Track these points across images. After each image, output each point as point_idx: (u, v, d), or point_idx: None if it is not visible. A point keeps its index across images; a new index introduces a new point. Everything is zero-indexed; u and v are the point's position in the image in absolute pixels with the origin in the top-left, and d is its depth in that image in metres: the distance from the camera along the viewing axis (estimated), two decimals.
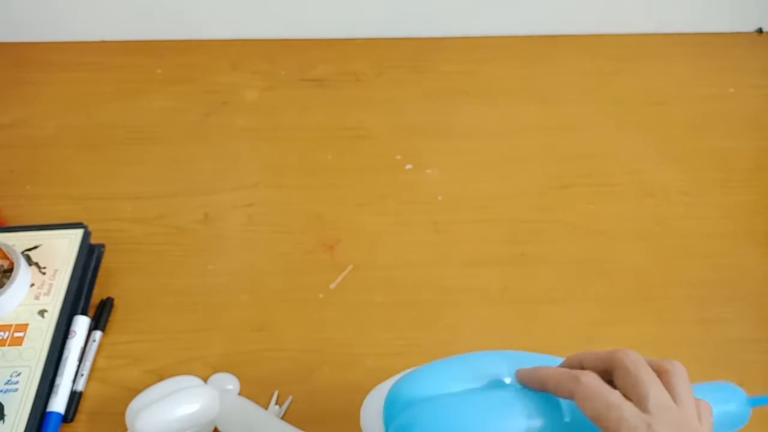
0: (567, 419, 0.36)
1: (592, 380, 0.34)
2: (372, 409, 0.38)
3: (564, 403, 0.37)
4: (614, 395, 0.33)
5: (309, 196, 0.65)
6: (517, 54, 0.80)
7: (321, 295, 0.58)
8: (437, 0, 0.78)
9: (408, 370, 0.39)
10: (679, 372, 0.35)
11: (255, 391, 0.52)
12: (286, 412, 0.51)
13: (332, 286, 0.59)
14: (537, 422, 0.35)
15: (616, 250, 0.62)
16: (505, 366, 0.39)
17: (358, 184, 0.66)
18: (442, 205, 0.65)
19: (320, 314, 0.57)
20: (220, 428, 0.49)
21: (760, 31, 0.83)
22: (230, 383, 0.51)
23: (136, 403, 0.47)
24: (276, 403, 0.51)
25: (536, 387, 0.37)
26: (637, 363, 0.34)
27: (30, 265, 0.56)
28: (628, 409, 0.32)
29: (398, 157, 0.69)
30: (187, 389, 0.48)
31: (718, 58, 0.80)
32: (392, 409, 0.37)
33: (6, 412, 0.49)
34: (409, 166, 0.68)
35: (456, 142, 0.71)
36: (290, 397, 0.52)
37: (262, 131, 0.71)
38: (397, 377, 0.39)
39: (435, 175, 0.67)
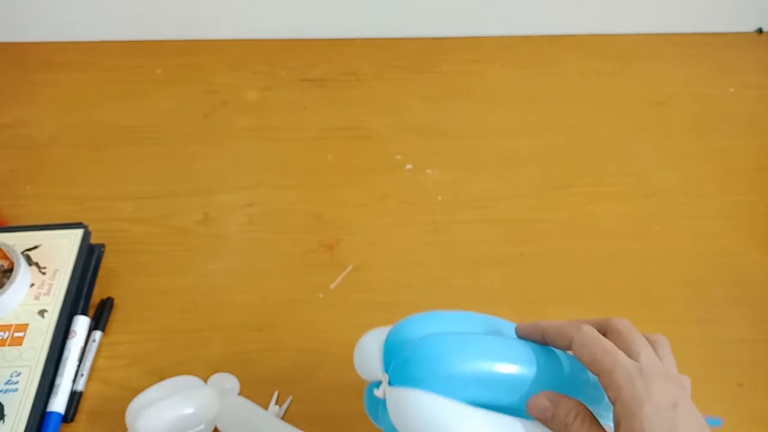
0: (565, 371, 0.37)
1: (590, 330, 0.36)
2: (367, 350, 0.38)
3: (561, 356, 0.38)
4: (610, 344, 0.35)
5: (309, 196, 0.65)
6: (517, 54, 0.80)
7: (321, 295, 0.58)
8: (437, 0, 0.78)
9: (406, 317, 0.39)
10: (664, 342, 0.38)
11: (255, 391, 0.52)
12: (286, 412, 0.51)
13: (332, 286, 0.59)
14: (534, 367, 0.36)
15: (616, 250, 0.62)
16: (502, 324, 0.40)
17: (358, 184, 0.66)
18: (442, 205, 0.65)
19: (320, 314, 0.57)
20: (220, 428, 0.49)
21: (760, 31, 0.83)
22: (230, 383, 0.51)
23: (136, 404, 0.47)
24: (276, 403, 0.51)
25: (536, 337, 0.38)
26: (629, 327, 0.37)
27: (30, 265, 0.56)
28: (622, 356, 0.34)
29: (398, 157, 0.69)
30: (187, 389, 0.48)
31: (718, 58, 0.80)
32: (392, 349, 0.37)
33: (6, 412, 0.49)
34: (409, 166, 0.68)
35: (456, 142, 0.71)
36: (290, 397, 0.52)
37: (262, 131, 0.71)
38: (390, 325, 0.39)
39: (435, 175, 0.67)
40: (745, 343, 0.56)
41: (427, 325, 0.38)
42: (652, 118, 0.74)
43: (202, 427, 0.48)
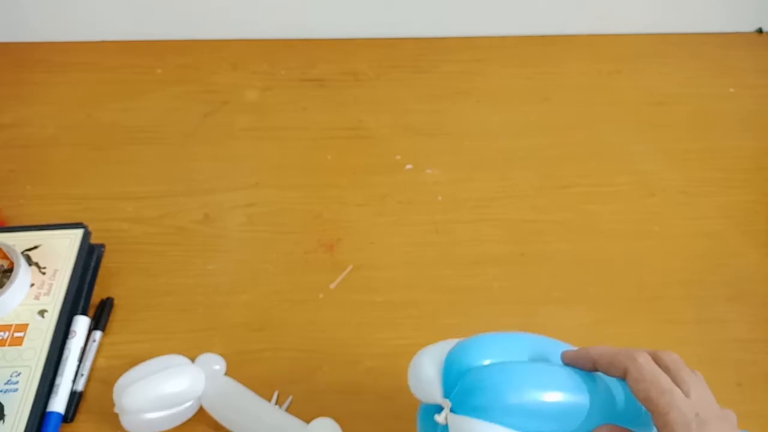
0: (619, 401, 0.37)
1: (646, 361, 0.35)
2: (425, 372, 0.39)
3: (616, 385, 0.38)
4: (667, 380, 0.34)
5: (309, 196, 0.65)
6: (517, 54, 0.80)
7: (321, 295, 0.58)
8: (437, 0, 0.78)
9: (460, 339, 0.40)
10: (702, 378, 0.37)
11: (255, 391, 0.51)
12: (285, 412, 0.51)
13: (332, 286, 0.59)
14: (592, 398, 0.36)
15: (616, 250, 0.62)
16: (550, 345, 0.40)
17: (358, 184, 0.66)
18: (442, 205, 0.65)
19: (320, 314, 0.57)
20: (205, 407, 0.49)
21: (760, 31, 0.83)
22: (217, 363, 0.52)
23: (123, 380, 0.48)
24: (276, 403, 0.51)
25: (587, 366, 0.37)
26: (678, 363, 0.36)
27: (30, 265, 0.56)
28: (679, 396, 0.33)
29: (398, 157, 0.69)
30: (173, 367, 0.49)
31: (718, 58, 0.80)
32: (453, 375, 0.38)
33: (6, 412, 0.49)
34: (409, 166, 0.68)
35: (456, 142, 0.71)
36: (290, 397, 0.52)
37: (262, 131, 0.71)
38: (446, 343, 0.40)
39: (435, 175, 0.67)
40: (745, 343, 0.56)
41: (485, 350, 0.38)
42: (652, 118, 0.74)
43: (188, 404, 0.48)
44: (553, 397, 0.35)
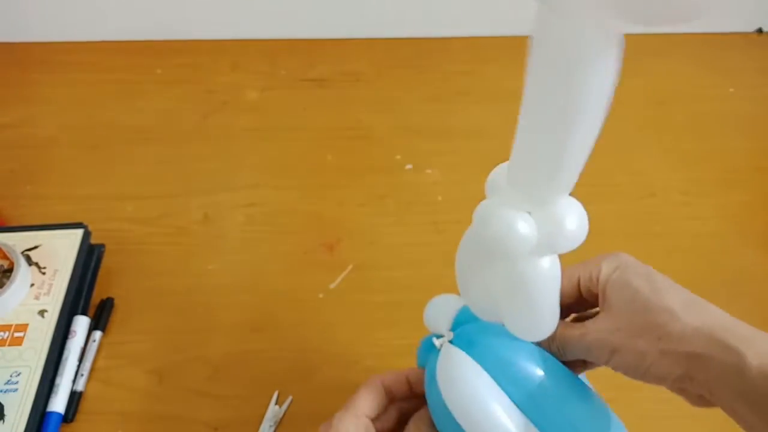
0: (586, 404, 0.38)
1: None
2: (443, 307, 0.42)
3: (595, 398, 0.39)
4: None
5: (309, 196, 0.65)
6: (517, 54, 0.79)
7: (321, 295, 0.58)
8: (437, 0, 0.78)
9: None
10: None
11: (255, 391, 0.52)
12: (286, 412, 0.51)
13: (332, 286, 0.59)
14: (571, 393, 0.38)
15: (616, 250, 0.62)
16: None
17: (358, 184, 0.66)
18: (442, 205, 0.65)
19: (320, 314, 0.57)
20: None
21: (760, 31, 0.83)
22: None
23: None
24: (276, 403, 0.51)
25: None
26: None
27: (30, 265, 0.56)
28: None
29: (398, 157, 0.69)
30: None
31: (718, 58, 0.80)
32: (465, 318, 0.40)
33: (6, 412, 0.49)
34: (409, 166, 0.68)
35: (456, 142, 0.71)
36: (290, 397, 0.52)
37: (262, 131, 0.71)
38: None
39: (435, 175, 0.67)
40: None
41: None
42: (652, 118, 0.74)
43: None
44: (538, 376, 0.37)
